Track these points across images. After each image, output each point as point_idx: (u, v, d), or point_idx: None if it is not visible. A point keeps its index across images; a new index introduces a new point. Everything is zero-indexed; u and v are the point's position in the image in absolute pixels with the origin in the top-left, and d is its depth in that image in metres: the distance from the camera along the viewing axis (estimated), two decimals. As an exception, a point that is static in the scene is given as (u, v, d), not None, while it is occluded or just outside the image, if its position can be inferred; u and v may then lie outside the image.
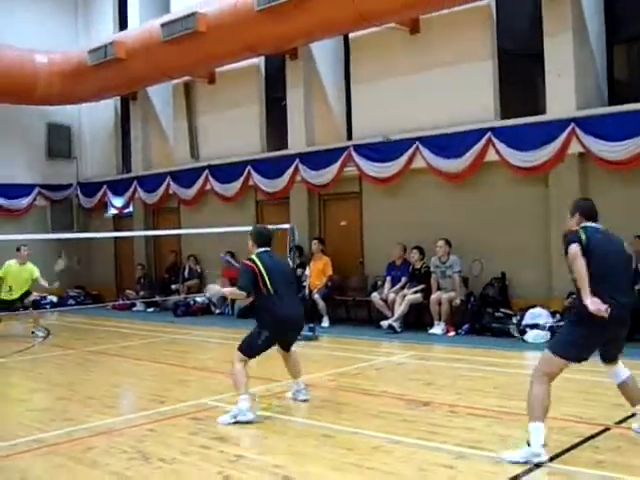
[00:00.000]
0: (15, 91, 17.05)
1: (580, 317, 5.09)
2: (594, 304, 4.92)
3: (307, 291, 13.21)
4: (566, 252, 5.15)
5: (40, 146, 19.56)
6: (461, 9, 11.77)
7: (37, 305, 13.07)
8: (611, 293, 5.07)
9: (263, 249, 6.92)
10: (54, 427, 6.53)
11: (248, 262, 6.74)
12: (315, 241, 13.87)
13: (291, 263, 12.24)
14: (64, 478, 5.11)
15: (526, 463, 4.92)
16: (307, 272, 13.49)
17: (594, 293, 4.99)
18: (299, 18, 12.35)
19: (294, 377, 7.20)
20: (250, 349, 6.62)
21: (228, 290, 7.47)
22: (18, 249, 12.93)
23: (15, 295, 12.84)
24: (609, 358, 5.44)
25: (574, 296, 10.13)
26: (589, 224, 5.45)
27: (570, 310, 5.26)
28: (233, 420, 6.35)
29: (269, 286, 6.57)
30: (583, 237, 5.19)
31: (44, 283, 12.92)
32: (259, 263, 6.66)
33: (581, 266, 5.03)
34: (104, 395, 8.05)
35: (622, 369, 5.49)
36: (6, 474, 5.24)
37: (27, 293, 13.09)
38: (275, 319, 6.60)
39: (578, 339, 5.14)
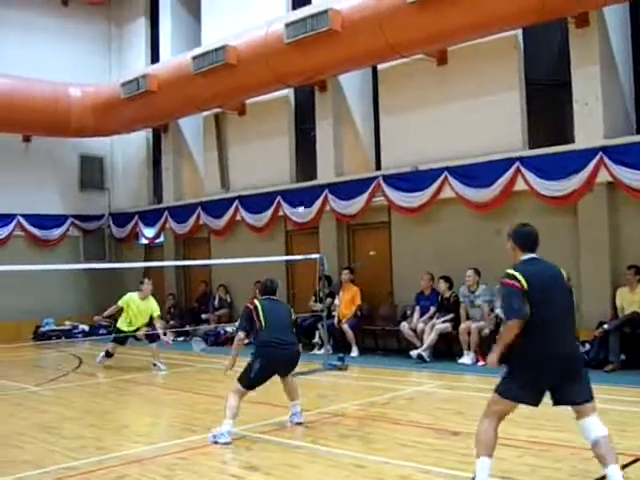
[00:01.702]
0: (50, 124, 17.49)
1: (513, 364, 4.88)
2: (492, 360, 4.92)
3: (336, 320, 13.25)
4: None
5: (73, 177, 19.93)
6: (488, 40, 11.85)
7: (154, 338, 12.56)
8: (547, 343, 4.75)
9: (267, 297, 7.73)
10: (86, 455, 6.62)
11: (249, 305, 7.59)
12: (345, 271, 13.90)
13: (320, 293, 12.30)
14: (97, 505, 5.17)
15: None
16: (336, 301, 13.55)
17: (532, 343, 4.74)
18: (328, 50, 12.54)
19: (290, 399, 7.59)
20: (246, 379, 7.19)
21: (232, 355, 7.64)
22: (141, 282, 12.95)
23: (133, 328, 12.61)
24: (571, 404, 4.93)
25: (605, 326, 10.12)
26: (527, 257, 5.12)
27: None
28: (213, 440, 6.84)
29: (262, 321, 7.32)
30: (522, 282, 4.81)
31: (159, 326, 12.71)
32: (258, 305, 7.50)
33: (509, 338, 4.78)
34: (135, 423, 8.14)
35: (596, 425, 4.83)
36: (40, 501, 5.32)
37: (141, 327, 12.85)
38: (265, 349, 7.27)
39: (516, 382, 4.85)
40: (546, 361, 4.74)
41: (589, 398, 4.90)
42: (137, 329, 12.66)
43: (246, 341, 7.58)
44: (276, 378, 7.44)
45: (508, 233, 5.30)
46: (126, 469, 6.09)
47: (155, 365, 12.47)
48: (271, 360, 7.24)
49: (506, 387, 4.85)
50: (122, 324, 12.72)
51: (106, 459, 6.44)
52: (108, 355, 12.81)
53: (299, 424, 7.45)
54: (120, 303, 12.71)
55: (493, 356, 4.90)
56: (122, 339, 12.74)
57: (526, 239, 5.22)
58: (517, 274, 4.87)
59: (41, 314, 18.37)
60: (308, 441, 6.81)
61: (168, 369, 12.34)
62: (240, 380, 7.19)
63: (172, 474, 5.86)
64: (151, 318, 12.70)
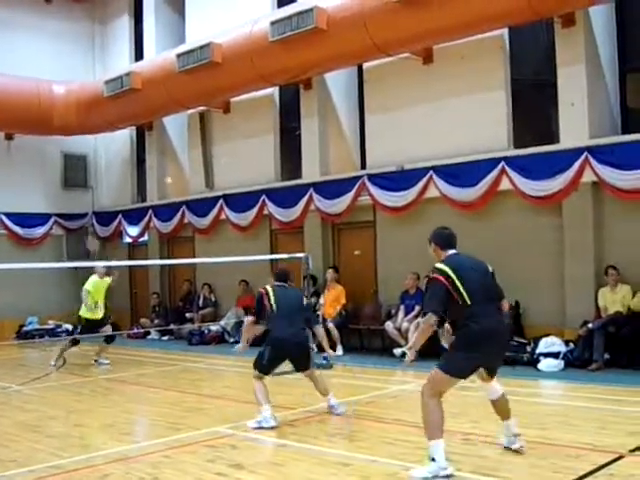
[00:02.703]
0: (32, 121, 17.31)
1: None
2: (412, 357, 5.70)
3: (321, 319, 13.23)
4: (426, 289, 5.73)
5: (56, 175, 19.78)
6: (474, 39, 11.88)
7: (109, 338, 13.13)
8: (480, 316, 5.42)
9: (279, 283, 8.02)
10: (71, 453, 6.57)
11: (261, 289, 7.94)
12: (330, 270, 13.90)
13: (305, 292, 12.28)
14: (82, 504, 5.13)
15: (435, 478, 5.18)
16: (321, 301, 13.54)
17: (469, 319, 5.40)
18: (313, 48, 12.54)
19: (322, 394, 7.90)
20: (260, 365, 7.56)
21: (243, 338, 8.20)
22: (94, 266, 13.50)
23: (98, 314, 12.91)
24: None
25: (590, 325, 10.16)
26: (449, 252, 5.79)
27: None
28: (258, 425, 7.19)
29: (273, 306, 7.67)
30: (448, 271, 5.48)
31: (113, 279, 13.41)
32: (270, 290, 7.84)
33: (425, 332, 5.51)
34: (120, 422, 8.09)
35: (496, 386, 5.89)
36: (25, 500, 5.28)
37: (105, 320, 13.29)
38: (274, 336, 7.62)
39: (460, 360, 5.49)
40: (484, 338, 5.42)
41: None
42: (102, 319, 13.06)
43: (259, 327, 8.00)
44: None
45: (428, 238, 5.94)
46: (111, 467, 6.06)
47: (96, 361, 12.87)
48: (279, 348, 7.54)
49: (451, 365, 5.45)
50: (88, 311, 12.86)
51: (91, 457, 6.40)
52: (75, 343, 13.19)
53: (339, 414, 7.72)
54: (86, 287, 12.96)
55: (413, 352, 5.67)
56: (89, 330, 12.97)
57: (445, 239, 5.89)
58: (445, 267, 5.51)
59: (25, 313, 18.24)
60: (294, 440, 6.79)
61: (153, 367, 12.29)
62: (255, 366, 7.57)
63: (157, 472, 5.83)
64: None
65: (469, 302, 5.36)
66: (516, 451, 5.82)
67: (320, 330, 8.30)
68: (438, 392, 5.41)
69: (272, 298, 7.74)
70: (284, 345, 7.56)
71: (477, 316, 5.37)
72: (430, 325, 5.38)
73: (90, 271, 13.47)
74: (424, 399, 5.39)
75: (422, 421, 5.40)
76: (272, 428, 7.12)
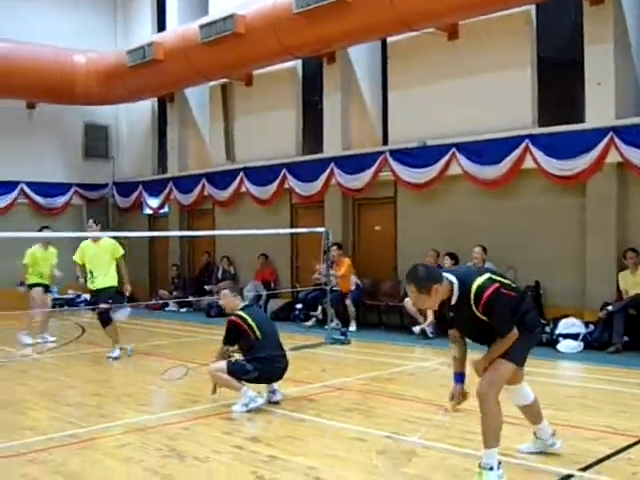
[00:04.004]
0: (54, 90, 17.32)
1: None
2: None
3: (340, 293, 13.15)
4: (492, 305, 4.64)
5: (77, 145, 19.84)
6: (501, 15, 11.70)
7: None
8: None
9: (245, 304, 7.55)
10: (89, 423, 6.63)
11: (234, 319, 7.25)
12: (334, 247, 13.49)
13: (325, 265, 12.26)
14: (99, 473, 5.18)
15: None
16: (332, 271, 13.16)
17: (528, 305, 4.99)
18: (337, 21, 12.38)
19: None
20: (237, 374, 7.06)
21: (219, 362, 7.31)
22: (90, 226, 11.03)
23: (98, 284, 10.55)
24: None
25: (609, 308, 10.07)
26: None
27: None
28: (245, 409, 6.85)
29: (257, 333, 7.12)
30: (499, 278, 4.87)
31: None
32: (245, 315, 7.21)
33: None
34: (138, 393, 8.15)
35: (528, 388, 5.31)
36: (44, 467, 5.32)
37: (110, 290, 10.65)
38: (264, 364, 7.10)
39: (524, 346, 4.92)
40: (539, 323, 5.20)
41: None
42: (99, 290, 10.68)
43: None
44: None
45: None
46: (128, 437, 6.10)
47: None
48: (268, 376, 7.17)
49: (518, 354, 4.86)
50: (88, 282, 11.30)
51: (109, 427, 6.46)
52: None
53: (276, 403, 7.24)
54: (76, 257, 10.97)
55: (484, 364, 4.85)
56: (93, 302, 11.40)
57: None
58: (504, 280, 4.86)
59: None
60: (311, 414, 6.80)
61: (171, 339, 12.35)
62: (231, 368, 7.04)
63: (174, 444, 5.86)
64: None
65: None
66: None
67: None
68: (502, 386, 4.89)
69: (253, 324, 7.14)
70: (278, 373, 7.22)
71: (529, 302, 5.12)
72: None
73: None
74: (490, 404, 4.67)
75: (485, 428, 4.69)
76: (259, 406, 6.89)
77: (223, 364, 7.07)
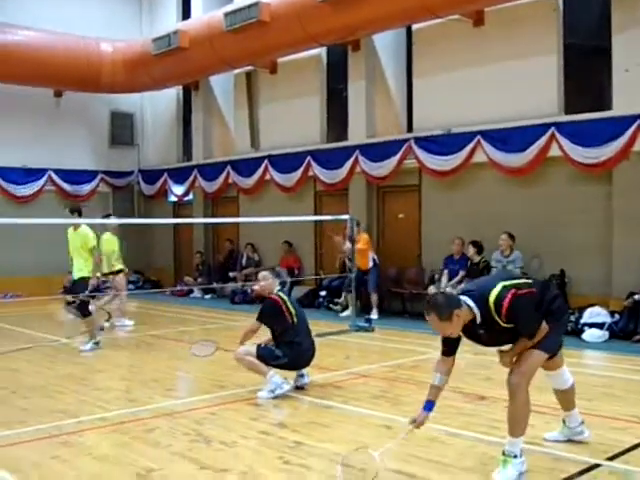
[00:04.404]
0: (81, 78, 17.47)
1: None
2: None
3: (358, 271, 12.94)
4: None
5: (103, 133, 20.00)
6: (527, 1, 11.63)
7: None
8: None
9: (281, 288, 7.59)
10: (117, 407, 6.75)
11: (274, 297, 7.33)
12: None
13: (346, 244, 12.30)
14: (128, 456, 5.26)
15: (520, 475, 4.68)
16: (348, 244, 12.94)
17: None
18: (362, 8, 12.35)
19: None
20: (266, 359, 7.11)
21: (243, 340, 7.44)
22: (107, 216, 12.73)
23: (74, 274, 10.59)
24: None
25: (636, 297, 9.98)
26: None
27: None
28: (272, 395, 6.87)
29: (294, 317, 7.19)
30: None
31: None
32: (284, 298, 7.32)
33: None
34: (165, 378, 8.25)
35: (567, 372, 5.39)
36: (75, 450, 5.43)
37: (83, 281, 10.38)
38: (296, 351, 7.16)
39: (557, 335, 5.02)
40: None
41: None
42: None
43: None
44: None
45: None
46: (156, 422, 6.20)
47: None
48: (297, 362, 7.20)
49: (552, 343, 4.89)
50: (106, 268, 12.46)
51: (137, 411, 6.56)
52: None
53: (301, 387, 7.31)
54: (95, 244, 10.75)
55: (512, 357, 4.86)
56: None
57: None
58: (518, 281, 4.91)
59: (71, 268, 18.53)
60: (338, 401, 6.85)
61: (197, 325, 12.47)
62: (260, 353, 7.09)
63: (201, 428, 5.94)
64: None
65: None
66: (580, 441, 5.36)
67: None
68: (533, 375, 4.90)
69: (291, 308, 7.23)
70: (306, 360, 7.27)
71: (553, 289, 5.15)
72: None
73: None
74: (521, 394, 4.69)
75: (514, 417, 4.72)
76: (285, 393, 6.93)
77: (252, 348, 7.12)
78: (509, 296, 4.58)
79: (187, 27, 16.20)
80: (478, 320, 4.65)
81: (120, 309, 12.78)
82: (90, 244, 10.30)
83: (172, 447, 5.45)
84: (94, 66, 17.37)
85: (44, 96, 18.33)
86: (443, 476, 4.78)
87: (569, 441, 5.37)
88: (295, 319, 7.18)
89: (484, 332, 4.74)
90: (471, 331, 4.75)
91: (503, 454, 4.71)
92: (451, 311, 4.54)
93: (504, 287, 4.65)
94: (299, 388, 7.29)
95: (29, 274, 17.43)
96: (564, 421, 5.39)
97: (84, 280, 10.19)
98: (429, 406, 4.90)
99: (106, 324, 12.36)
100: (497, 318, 4.60)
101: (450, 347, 4.92)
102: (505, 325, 4.64)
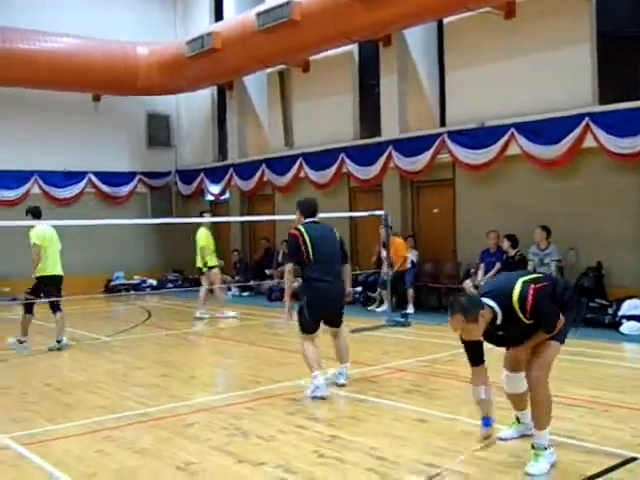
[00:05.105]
0: (118, 82, 17.80)
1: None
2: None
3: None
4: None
5: (141, 135, 20.32)
6: (559, -9, 11.54)
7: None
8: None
9: (309, 220, 7.25)
10: (157, 402, 6.90)
11: (293, 231, 7.14)
12: (410, 238, 13.78)
13: (386, 249, 12.32)
14: (169, 450, 5.39)
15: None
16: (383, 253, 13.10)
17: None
18: (393, 3, 12.34)
19: (340, 361, 7.38)
20: (304, 324, 7.07)
21: (287, 295, 7.30)
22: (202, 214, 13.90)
23: (219, 262, 13.55)
24: None
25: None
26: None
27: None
28: (313, 394, 6.78)
29: (310, 252, 6.95)
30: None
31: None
32: (303, 231, 7.06)
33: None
34: (203, 374, 8.42)
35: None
36: (116, 444, 5.60)
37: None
38: (312, 286, 6.99)
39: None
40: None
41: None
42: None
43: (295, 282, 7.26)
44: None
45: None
46: (195, 417, 6.34)
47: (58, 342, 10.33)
48: (318, 297, 6.96)
49: (565, 334, 4.86)
50: (210, 260, 13.43)
51: (176, 407, 6.72)
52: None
53: (342, 385, 7.21)
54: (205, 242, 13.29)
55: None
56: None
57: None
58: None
59: (112, 268, 18.94)
60: (372, 395, 6.92)
61: (234, 322, 12.64)
62: (300, 328, 7.11)
63: (239, 423, 6.06)
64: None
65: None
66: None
67: (348, 268, 7.43)
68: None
69: (307, 241, 6.94)
70: (325, 297, 6.99)
71: (559, 279, 5.21)
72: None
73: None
74: (543, 387, 4.73)
75: (538, 409, 4.76)
76: (323, 398, 6.77)
77: (307, 344, 7.01)
78: (531, 292, 4.61)
79: (220, 28, 16.36)
80: (499, 320, 4.67)
81: (219, 302, 13.76)
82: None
83: (210, 441, 5.58)
84: (131, 69, 17.67)
85: (83, 101, 18.72)
86: (475, 469, 4.82)
87: (603, 434, 5.37)
88: (311, 257, 6.93)
89: (503, 332, 4.76)
90: (490, 332, 4.77)
91: (533, 447, 4.76)
92: (477, 312, 4.58)
93: (524, 282, 4.68)
94: (339, 385, 7.27)
95: (70, 273, 17.77)
96: (518, 418, 5.39)
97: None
98: (487, 422, 5.12)
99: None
100: (521, 315, 4.62)
101: (477, 354, 4.98)
102: (527, 322, 4.66)
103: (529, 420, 5.15)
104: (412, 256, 13.61)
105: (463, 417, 5.98)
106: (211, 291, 13.65)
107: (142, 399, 7.08)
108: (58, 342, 10.18)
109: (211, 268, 13.47)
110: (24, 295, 10.42)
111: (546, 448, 4.73)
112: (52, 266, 10.23)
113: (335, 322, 7.27)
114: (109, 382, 7.98)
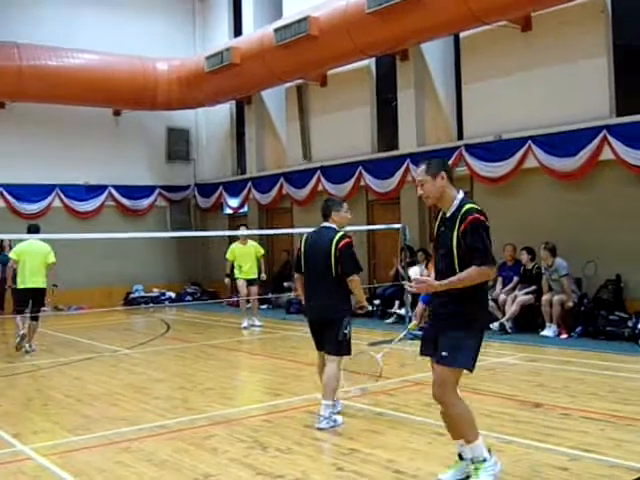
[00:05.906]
0: (138, 97, 18.07)
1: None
2: None
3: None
4: None
5: (161, 149, 20.51)
6: (575, 4, 11.54)
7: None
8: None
9: (322, 225, 6.66)
10: (176, 414, 6.96)
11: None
12: (420, 252, 13.72)
13: (401, 263, 12.32)
14: (187, 462, 5.43)
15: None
16: (424, 271, 13.15)
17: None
18: (410, 18, 12.44)
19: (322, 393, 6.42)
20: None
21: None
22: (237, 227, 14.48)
23: (250, 275, 13.87)
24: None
25: None
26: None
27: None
28: (327, 419, 6.22)
29: (301, 263, 6.61)
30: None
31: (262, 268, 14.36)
32: (304, 240, 6.66)
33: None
34: (222, 386, 8.45)
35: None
36: (135, 455, 5.65)
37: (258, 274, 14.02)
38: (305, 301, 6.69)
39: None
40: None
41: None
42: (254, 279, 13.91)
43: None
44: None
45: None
46: (214, 429, 6.38)
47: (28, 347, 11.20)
48: (308, 316, 6.65)
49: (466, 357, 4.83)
50: (238, 273, 13.94)
51: (195, 419, 6.76)
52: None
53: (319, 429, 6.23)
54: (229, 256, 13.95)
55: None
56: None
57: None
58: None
59: (131, 281, 19.09)
60: (390, 408, 6.94)
61: (252, 335, 12.68)
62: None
63: (257, 435, 6.09)
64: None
65: None
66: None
67: (351, 283, 6.41)
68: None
69: (302, 251, 6.51)
70: (310, 318, 6.57)
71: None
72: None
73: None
74: (451, 403, 4.75)
75: (459, 426, 4.74)
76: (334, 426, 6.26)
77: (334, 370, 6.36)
78: (479, 216, 4.55)
79: (239, 44, 16.54)
80: (449, 213, 4.66)
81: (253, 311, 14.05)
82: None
83: (229, 453, 5.62)
84: (151, 85, 17.91)
85: (104, 116, 18.97)
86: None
87: (625, 449, 5.34)
88: (303, 265, 6.53)
89: (443, 230, 4.70)
90: (440, 222, 4.76)
91: (472, 462, 4.61)
92: (438, 170, 4.66)
93: (479, 211, 4.58)
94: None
95: (90, 286, 17.98)
96: (460, 455, 4.82)
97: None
98: (426, 299, 5.29)
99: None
100: (457, 223, 4.56)
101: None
102: (455, 239, 4.55)
103: (471, 455, 4.67)
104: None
105: (481, 430, 5.95)
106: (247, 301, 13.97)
107: (161, 411, 7.13)
108: (29, 346, 11.09)
109: (234, 280, 13.97)
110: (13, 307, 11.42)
111: (485, 459, 4.61)
112: (26, 279, 10.96)
113: (324, 347, 6.47)
114: (129, 394, 8.05)
